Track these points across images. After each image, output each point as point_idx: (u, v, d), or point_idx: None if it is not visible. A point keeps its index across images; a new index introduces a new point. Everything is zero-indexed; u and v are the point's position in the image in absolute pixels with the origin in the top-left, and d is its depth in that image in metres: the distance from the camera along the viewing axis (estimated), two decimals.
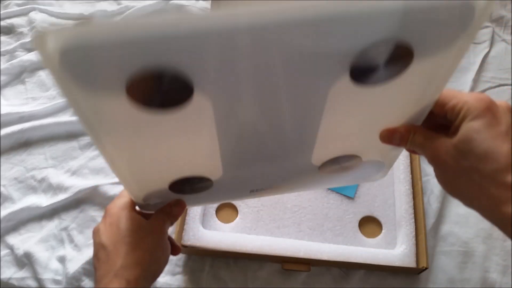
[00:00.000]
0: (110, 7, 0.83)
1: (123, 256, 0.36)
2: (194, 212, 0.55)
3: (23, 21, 0.81)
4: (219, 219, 0.57)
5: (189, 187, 0.39)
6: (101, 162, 0.64)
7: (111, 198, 0.53)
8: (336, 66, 0.26)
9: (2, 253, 0.57)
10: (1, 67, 0.74)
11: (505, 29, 0.76)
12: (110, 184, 0.61)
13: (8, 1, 0.85)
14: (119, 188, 0.59)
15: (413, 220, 0.55)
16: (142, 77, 0.23)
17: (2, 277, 0.55)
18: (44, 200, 0.61)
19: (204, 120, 0.29)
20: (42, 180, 0.63)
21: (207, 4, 0.80)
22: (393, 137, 0.34)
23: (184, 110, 0.27)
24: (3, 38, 0.80)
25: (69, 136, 0.67)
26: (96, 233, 0.40)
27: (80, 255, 0.56)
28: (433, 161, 0.31)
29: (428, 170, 0.61)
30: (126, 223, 0.38)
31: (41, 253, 0.57)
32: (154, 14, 0.23)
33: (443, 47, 0.26)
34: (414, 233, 0.54)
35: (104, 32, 0.21)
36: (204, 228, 0.55)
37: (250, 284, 0.54)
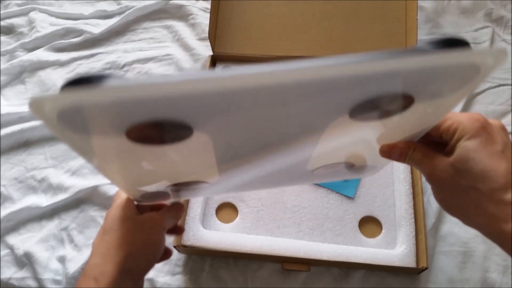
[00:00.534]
0: (110, 7, 0.83)
1: (95, 255, 0.36)
2: (194, 212, 0.55)
3: (23, 21, 0.81)
4: (219, 219, 0.57)
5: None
6: None
7: (111, 198, 0.53)
8: (335, 113, 0.26)
9: (2, 253, 0.57)
10: (1, 67, 0.74)
11: (505, 29, 0.76)
12: (110, 184, 0.61)
13: (8, 1, 0.85)
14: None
15: (413, 220, 0.55)
16: (142, 126, 0.23)
17: (2, 277, 0.56)
18: (44, 200, 0.61)
19: (203, 148, 0.30)
20: (42, 180, 0.63)
21: (207, 4, 0.80)
22: (392, 152, 0.34)
23: (183, 142, 0.27)
24: (3, 38, 0.80)
25: None
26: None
27: (80, 255, 0.56)
28: (430, 179, 0.32)
29: None
30: (112, 223, 0.38)
31: (41, 253, 0.57)
32: (154, 77, 0.23)
33: (444, 95, 0.26)
34: (414, 233, 0.54)
35: (101, 94, 0.20)
36: (204, 228, 0.55)
37: (250, 284, 0.54)
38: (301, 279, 0.54)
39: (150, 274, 0.55)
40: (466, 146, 0.29)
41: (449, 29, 0.77)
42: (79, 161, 0.65)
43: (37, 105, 0.20)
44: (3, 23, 0.81)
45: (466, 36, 0.76)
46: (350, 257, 0.52)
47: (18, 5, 0.84)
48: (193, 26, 0.79)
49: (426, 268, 0.51)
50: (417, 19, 0.65)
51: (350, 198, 0.59)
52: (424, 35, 0.76)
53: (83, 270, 0.36)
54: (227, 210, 0.58)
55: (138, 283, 0.38)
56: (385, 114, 0.28)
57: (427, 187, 0.60)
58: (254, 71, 0.20)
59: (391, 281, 0.54)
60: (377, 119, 0.28)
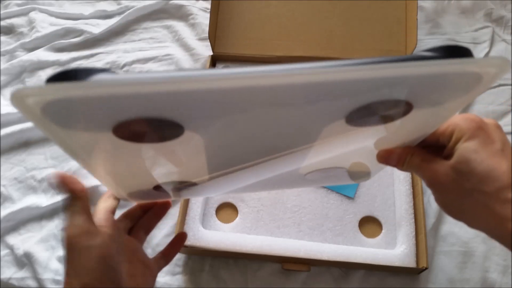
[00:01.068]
0: (110, 7, 0.83)
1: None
2: (194, 212, 0.55)
3: (23, 21, 0.81)
4: (219, 219, 0.57)
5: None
6: None
7: None
8: (331, 118, 0.26)
9: (2, 253, 0.57)
10: (1, 67, 0.74)
11: (505, 29, 0.76)
12: None
13: (8, 1, 0.85)
14: None
15: (413, 220, 0.55)
16: (129, 123, 0.23)
17: (2, 277, 0.55)
18: (44, 200, 0.61)
19: (194, 149, 0.29)
20: (42, 180, 0.63)
21: (207, 4, 0.80)
22: (390, 157, 0.34)
23: (173, 141, 0.26)
24: (3, 38, 0.80)
25: None
26: None
27: None
28: (431, 183, 0.31)
29: None
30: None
31: (41, 253, 0.57)
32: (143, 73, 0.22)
33: (444, 103, 0.26)
34: (414, 233, 0.54)
35: (87, 88, 0.19)
36: (204, 228, 0.55)
37: (250, 284, 0.54)
38: (301, 279, 0.54)
39: None
40: (466, 148, 0.28)
41: (449, 29, 0.77)
42: None
43: (19, 97, 0.19)
44: (3, 23, 0.81)
45: (466, 36, 0.76)
46: (350, 257, 0.52)
47: (18, 5, 0.84)
48: (193, 26, 0.79)
49: (426, 268, 0.51)
50: (417, 19, 0.65)
51: (350, 198, 0.59)
52: (424, 35, 0.76)
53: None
54: (227, 210, 0.58)
55: None
56: (382, 120, 0.27)
57: (427, 187, 0.60)
58: (243, 70, 0.20)
59: (391, 281, 0.54)
60: (374, 125, 0.28)
